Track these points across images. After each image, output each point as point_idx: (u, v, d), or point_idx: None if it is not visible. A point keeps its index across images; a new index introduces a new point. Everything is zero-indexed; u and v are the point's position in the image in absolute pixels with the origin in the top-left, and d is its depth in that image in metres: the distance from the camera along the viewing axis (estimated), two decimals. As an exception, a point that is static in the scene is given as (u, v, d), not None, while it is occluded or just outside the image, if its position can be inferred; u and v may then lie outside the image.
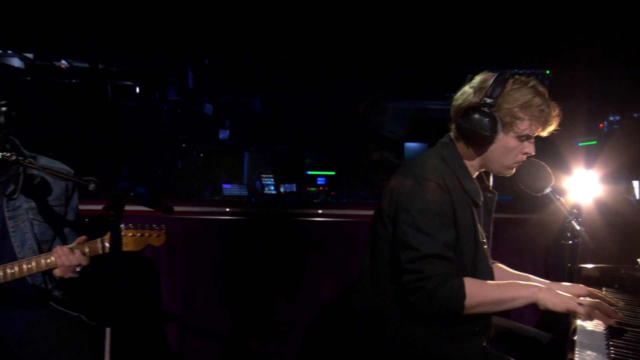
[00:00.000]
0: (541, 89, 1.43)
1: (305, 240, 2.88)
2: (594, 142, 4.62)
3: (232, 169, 4.79)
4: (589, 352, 1.09)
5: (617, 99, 4.77)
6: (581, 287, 1.47)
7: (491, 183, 1.63)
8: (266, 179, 4.34)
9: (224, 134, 4.77)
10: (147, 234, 1.55)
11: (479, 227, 1.48)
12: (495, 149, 1.45)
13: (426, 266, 1.35)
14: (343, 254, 2.78)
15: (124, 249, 1.48)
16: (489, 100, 1.40)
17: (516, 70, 5.13)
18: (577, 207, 2.85)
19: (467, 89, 1.48)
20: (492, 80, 1.42)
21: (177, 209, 2.83)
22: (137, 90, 5.20)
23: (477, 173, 1.55)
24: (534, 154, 1.48)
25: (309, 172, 5.37)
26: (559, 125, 1.52)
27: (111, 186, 1.26)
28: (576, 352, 1.09)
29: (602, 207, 2.88)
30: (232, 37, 4.40)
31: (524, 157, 1.48)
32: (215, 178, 4.85)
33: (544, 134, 1.47)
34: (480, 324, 1.43)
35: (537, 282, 1.56)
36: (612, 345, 1.13)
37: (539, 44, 4.67)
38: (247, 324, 2.78)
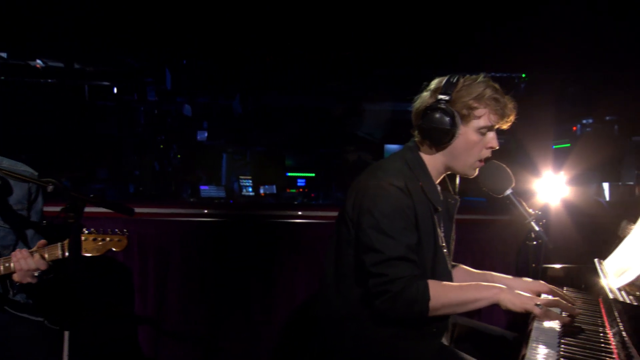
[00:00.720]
0: (492, 83, 1.48)
1: (282, 241, 2.89)
2: (568, 145, 4.72)
3: (210, 171, 4.77)
4: (540, 349, 1.12)
5: (590, 103, 4.88)
6: (541, 284, 1.50)
7: (457, 188, 1.67)
8: (244, 181, 4.33)
9: (202, 135, 4.75)
10: (108, 239, 1.54)
11: (439, 232, 1.51)
12: (458, 144, 1.48)
13: (391, 269, 1.36)
14: (320, 255, 2.80)
15: (85, 253, 1.47)
16: (444, 97, 1.44)
17: (493, 73, 5.23)
18: (546, 208, 2.93)
19: (424, 94, 1.53)
20: (444, 81, 1.47)
21: (150, 210, 2.83)
22: (115, 90, 5.14)
23: (440, 178, 1.58)
24: (497, 147, 1.51)
25: (289, 174, 5.37)
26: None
27: (68, 188, 1.24)
28: (529, 348, 1.12)
29: (572, 208, 2.94)
30: (210, 38, 4.38)
31: (489, 152, 1.51)
32: (195, 179, 4.81)
33: (505, 126, 1.51)
34: (438, 325, 1.48)
35: (500, 280, 1.60)
36: (563, 343, 1.16)
37: (515, 47, 4.75)
38: (221, 324, 2.77)
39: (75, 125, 5.17)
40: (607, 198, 3.58)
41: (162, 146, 4.62)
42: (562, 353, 1.10)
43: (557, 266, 1.94)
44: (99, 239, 1.51)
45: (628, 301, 1.17)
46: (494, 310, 2.89)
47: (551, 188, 2.72)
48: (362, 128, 4.79)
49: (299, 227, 2.96)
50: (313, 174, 5.41)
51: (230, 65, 4.77)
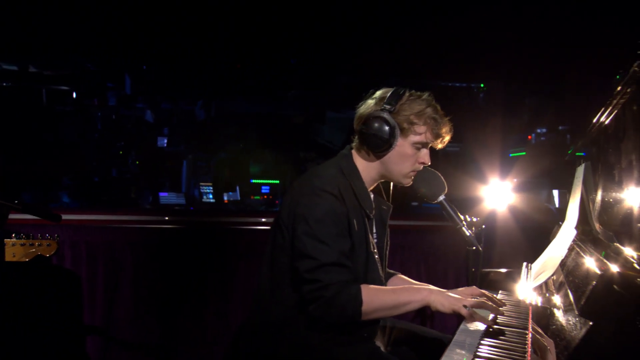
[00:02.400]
0: (434, 103, 1.55)
1: (238, 248, 2.89)
2: (524, 153, 4.88)
3: (171, 177, 4.71)
4: (459, 349, 1.16)
5: (545, 113, 5.07)
6: (473, 288, 1.54)
7: (391, 195, 1.71)
8: (205, 187, 4.29)
9: (161, 141, 4.69)
10: (37, 244, 1.52)
11: (370, 238, 1.55)
12: (393, 155, 1.53)
13: (324, 275, 1.39)
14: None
15: (12, 259, 1.44)
16: (388, 107, 1.49)
17: (452, 83, 5.37)
18: (493, 215, 3.00)
19: (369, 101, 1.57)
20: (390, 92, 1.52)
21: (100, 217, 2.78)
22: (75, 95, 5.03)
23: (374, 185, 1.62)
24: (429, 163, 1.57)
25: (253, 181, 5.35)
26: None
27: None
28: (449, 348, 1.16)
29: (521, 215, 3.04)
30: (171, 43, 4.36)
31: (420, 167, 1.57)
32: (158, 186, 4.73)
33: (438, 146, 1.57)
34: (369, 330, 1.51)
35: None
36: (482, 344, 1.20)
37: (474, 59, 4.89)
38: (175, 333, 2.74)
39: (33, 130, 5.01)
40: (557, 205, 3.71)
41: (121, 152, 4.54)
42: (477, 353, 1.14)
43: (495, 270, 2.00)
44: (27, 244, 1.49)
45: (534, 302, 1.23)
46: (446, 316, 2.96)
47: (500, 195, 2.81)
48: (323, 135, 4.84)
49: (255, 234, 2.96)
50: (277, 181, 5.40)
51: (192, 71, 4.75)
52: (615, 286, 0.81)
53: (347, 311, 1.38)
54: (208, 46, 4.59)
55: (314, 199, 1.45)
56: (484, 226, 1.92)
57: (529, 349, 1.15)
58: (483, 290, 1.56)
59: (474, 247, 1.88)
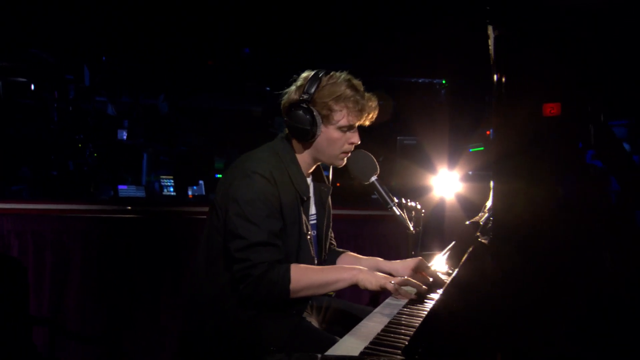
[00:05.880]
0: (355, 82, 1.58)
1: (192, 238, 2.88)
2: (482, 148, 5.01)
3: (131, 170, 4.65)
4: (377, 317, 1.22)
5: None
6: (418, 259, 1.60)
7: (330, 177, 1.76)
8: (165, 181, 4.27)
9: (122, 134, 4.64)
10: None
11: (304, 219, 1.59)
12: (321, 141, 1.58)
13: (254, 254, 1.43)
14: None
15: None
16: (305, 96, 1.52)
17: (415, 79, 5.47)
18: (442, 201, 3.09)
19: (291, 87, 1.60)
20: (309, 78, 1.55)
21: (47, 207, 2.75)
22: (33, 87, 4.91)
23: (312, 168, 1.67)
24: (359, 143, 1.62)
25: (218, 175, 5.34)
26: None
27: None
28: (368, 316, 1.22)
29: (469, 203, 3.14)
30: (133, 36, 4.31)
31: (351, 147, 1.62)
32: (118, 179, 4.66)
33: (367, 123, 1.62)
34: (298, 308, 1.57)
35: (384, 265, 1.71)
36: (399, 313, 1.26)
37: (436, 55, 5.00)
38: (125, 322, 2.73)
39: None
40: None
41: (80, 145, 4.47)
42: (391, 320, 1.20)
43: (435, 253, 2.07)
44: None
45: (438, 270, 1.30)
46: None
47: (451, 185, 2.91)
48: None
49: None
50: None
51: (154, 64, 4.71)
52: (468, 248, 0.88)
53: (275, 289, 1.42)
54: (171, 39, 4.57)
55: (245, 181, 1.49)
56: (423, 211, 1.98)
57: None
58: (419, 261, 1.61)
59: (412, 230, 1.94)
